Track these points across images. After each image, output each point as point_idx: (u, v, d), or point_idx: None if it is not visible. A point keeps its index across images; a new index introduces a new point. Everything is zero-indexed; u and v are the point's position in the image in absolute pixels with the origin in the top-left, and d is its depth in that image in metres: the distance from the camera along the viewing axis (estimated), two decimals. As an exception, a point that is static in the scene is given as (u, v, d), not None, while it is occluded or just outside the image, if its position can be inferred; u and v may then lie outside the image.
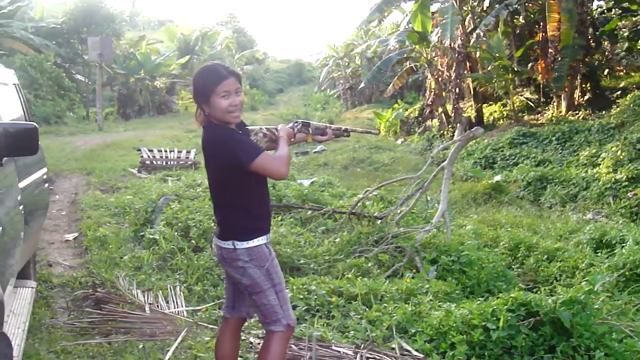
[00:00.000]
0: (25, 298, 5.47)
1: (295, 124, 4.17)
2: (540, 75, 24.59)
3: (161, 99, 43.89)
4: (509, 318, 5.02)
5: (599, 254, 9.76)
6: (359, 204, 9.39)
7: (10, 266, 4.15)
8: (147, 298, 6.28)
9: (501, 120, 27.16)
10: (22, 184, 4.89)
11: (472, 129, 9.08)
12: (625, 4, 25.95)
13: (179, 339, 5.26)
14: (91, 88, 37.88)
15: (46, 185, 6.56)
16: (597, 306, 5.49)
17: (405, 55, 29.09)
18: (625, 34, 28.02)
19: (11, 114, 5.33)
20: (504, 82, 25.54)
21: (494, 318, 5.09)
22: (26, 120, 5.84)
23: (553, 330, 5.03)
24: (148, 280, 6.89)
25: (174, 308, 6.11)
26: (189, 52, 48.03)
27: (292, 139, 4.07)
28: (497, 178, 17.53)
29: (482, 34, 25.75)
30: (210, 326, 5.63)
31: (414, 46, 28.06)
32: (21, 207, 4.63)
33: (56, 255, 8.49)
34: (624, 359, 4.81)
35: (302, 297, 6.07)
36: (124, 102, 41.49)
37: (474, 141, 22.78)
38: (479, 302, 5.66)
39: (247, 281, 3.68)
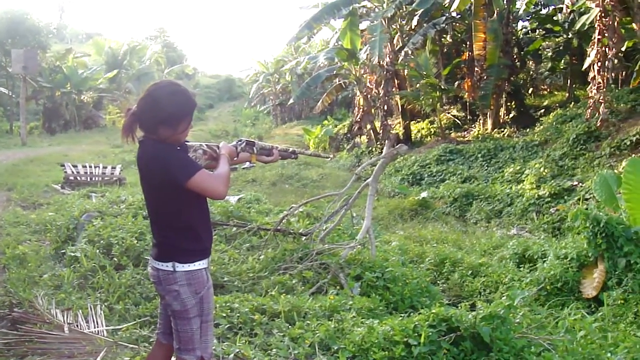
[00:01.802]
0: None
1: (239, 142, 4.08)
2: (467, 94, 25.09)
3: (88, 113, 43.21)
4: (430, 334, 5.04)
5: (522, 268, 9.95)
6: (284, 221, 9.37)
7: None
8: (67, 318, 6.13)
9: (429, 137, 27.59)
10: None
11: (397, 146, 9.17)
12: (549, 25, 26.74)
13: (98, 359, 5.14)
14: (15, 101, 37.03)
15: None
16: (517, 320, 5.59)
17: (334, 72, 29.36)
18: (549, 54, 28.89)
19: None
20: (431, 100, 25.94)
21: (416, 334, 5.10)
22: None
23: (474, 345, 5.07)
24: (68, 299, 6.71)
25: (94, 327, 5.97)
26: (117, 66, 47.48)
27: (235, 158, 3.99)
28: (424, 194, 17.75)
29: (410, 52, 26.17)
30: (131, 346, 5.50)
31: (343, 63, 28.33)
32: None
33: (-28, 274, 8.23)
34: (541, 372, 4.89)
35: (224, 315, 5.99)
36: (50, 116, 40.67)
37: (401, 158, 23.07)
38: (401, 318, 5.68)
39: (177, 306, 3.56)
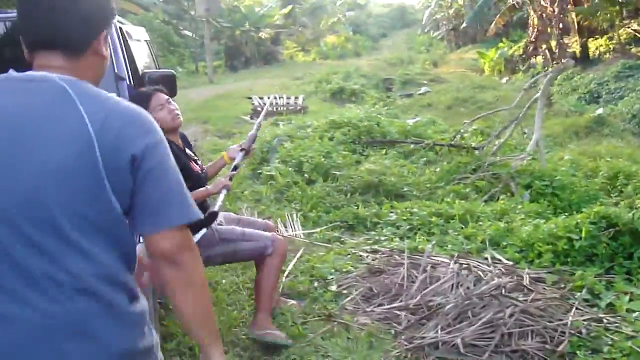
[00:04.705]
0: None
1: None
2: (648, 6, 24.11)
3: (267, 49, 44.74)
4: (591, 229, 5.56)
5: (697, 179, 9.98)
6: (457, 137, 10.00)
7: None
8: (268, 224, 7.12)
9: (607, 54, 26.73)
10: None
11: (563, 61, 9.47)
12: None
13: (298, 254, 6.07)
14: (198, 42, 39.09)
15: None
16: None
17: (507, -8, 28.95)
18: None
19: (146, 66, 6.18)
20: (609, 15, 25.10)
21: (578, 229, 5.63)
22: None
23: (632, 239, 5.52)
24: (267, 210, 7.74)
25: (292, 232, 6.97)
26: (291, 2, 48.66)
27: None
28: (599, 111, 17.58)
29: (586, -35, 25.36)
30: (325, 245, 6.43)
31: (515, -17, 27.87)
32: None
33: (184, 191, 9.41)
34: (698, 262, 5.31)
35: (405, 218, 6.82)
36: (231, 54, 42.51)
37: (578, 76, 22.71)
38: (564, 217, 6.22)
39: None
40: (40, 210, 1.59)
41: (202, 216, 1.87)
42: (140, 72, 5.30)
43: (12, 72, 1.75)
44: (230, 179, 4.35)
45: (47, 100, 1.66)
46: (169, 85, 4.90)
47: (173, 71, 5.00)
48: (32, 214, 1.59)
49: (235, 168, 4.55)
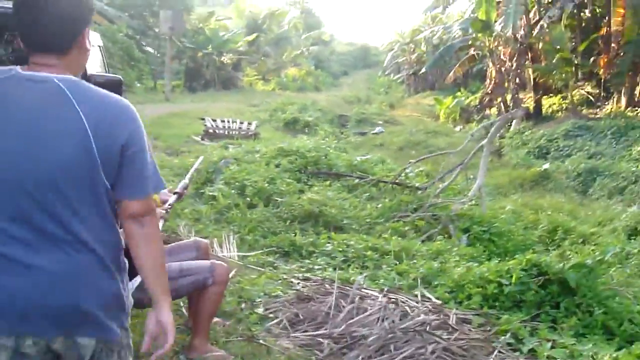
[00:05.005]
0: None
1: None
2: (601, 70, 24.66)
3: (227, 74, 44.63)
4: (521, 276, 5.63)
5: (633, 240, 10.19)
6: (402, 176, 10.08)
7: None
8: (204, 244, 7.05)
9: (560, 112, 27.28)
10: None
11: (512, 110, 9.65)
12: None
13: (229, 275, 6.00)
14: (160, 60, 38.88)
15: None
16: (610, 275, 6.10)
17: (468, 43, 29.38)
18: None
19: (95, 70, 6.10)
20: (564, 75, 25.65)
21: (508, 275, 5.70)
22: (105, 77, 6.60)
23: (560, 289, 5.61)
24: (205, 230, 7.66)
25: (227, 253, 6.89)
26: (256, 30, 48.82)
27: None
28: (546, 166, 17.90)
29: (545, 25, 25.91)
30: (258, 268, 6.38)
31: (477, 34, 28.31)
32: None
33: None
34: (620, 317, 5.39)
35: (340, 249, 6.82)
36: (191, 75, 42.33)
37: (529, 131, 23.13)
38: (496, 262, 6.29)
39: None
40: (53, 190, 2.06)
41: (165, 185, 2.47)
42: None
43: (18, 70, 2.11)
44: (167, 212, 4.31)
45: (51, 100, 2.07)
46: (114, 91, 4.80)
47: (120, 77, 4.93)
48: (48, 192, 2.06)
49: (170, 206, 4.51)
